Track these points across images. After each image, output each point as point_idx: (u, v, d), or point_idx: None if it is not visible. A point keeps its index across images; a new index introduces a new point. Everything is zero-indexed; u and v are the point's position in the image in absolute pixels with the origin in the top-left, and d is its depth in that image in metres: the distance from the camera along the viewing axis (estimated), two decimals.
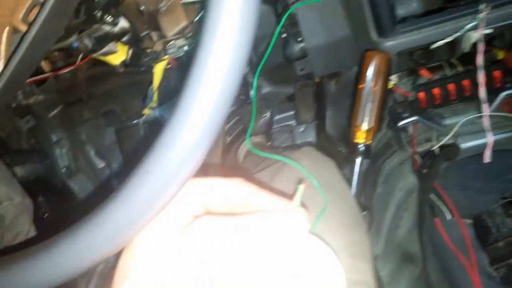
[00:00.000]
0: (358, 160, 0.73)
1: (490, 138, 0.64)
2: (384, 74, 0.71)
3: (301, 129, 1.18)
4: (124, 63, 0.66)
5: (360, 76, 0.72)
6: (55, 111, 1.14)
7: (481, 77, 0.66)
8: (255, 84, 0.60)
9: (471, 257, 0.70)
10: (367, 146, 0.72)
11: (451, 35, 0.69)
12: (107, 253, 0.29)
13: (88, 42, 0.52)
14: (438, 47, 0.70)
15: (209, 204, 0.37)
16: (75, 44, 0.52)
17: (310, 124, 1.16)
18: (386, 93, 0.72)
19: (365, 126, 0.70)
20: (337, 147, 1.10)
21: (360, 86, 0.70)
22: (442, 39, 0.69)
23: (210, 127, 0.28)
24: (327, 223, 0.51)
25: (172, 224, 0.33)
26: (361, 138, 0.72)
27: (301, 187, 0.36)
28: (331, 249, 0.35)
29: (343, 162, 0.94)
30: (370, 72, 0.69)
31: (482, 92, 0.66)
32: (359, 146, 0.72)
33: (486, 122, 0.65)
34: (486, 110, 0.66)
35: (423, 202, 0.74)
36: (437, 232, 0.72)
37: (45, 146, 1.08)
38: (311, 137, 1.18)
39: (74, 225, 0.29)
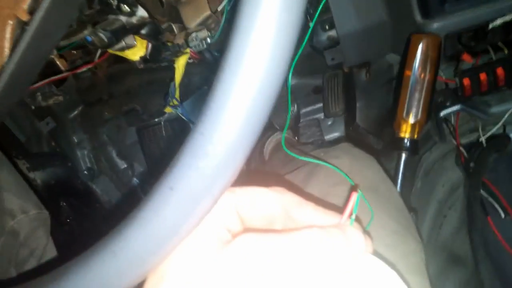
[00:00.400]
0: (404, 157, 0.66)
1: None
2: (434, 60, 0.63)
3: (329, 123, 1.12)
4: (143, 59, 0.62)
5: (406, 62, 0.64)
6: (75, 112, 1.12)
7: None
8: (290, 77, 0.54)
9: None
10: (414, 141, 0.65)
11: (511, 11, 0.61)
12: (124, 285, 0.24)
13: (103, 36, 0.47)
14: (491, 27, 0.63)
15: (245, 217, 0.32)
16: (90, 38, 0.48)
17: (338, 117, 1.10)
18: (435, 82, 0.65)
19: (412, 119, 0.63)
20: (369, 140, 1.03)
21: (407, 74, 0.63)
22: (499, 17, 0.62)
23: (250, 129, 0.23)
24: (375, 232, 0.45)
25: (206, 243, 0.28)
26: (407, 132, 0.65)
27: (355, 196, 0.31)
28: (394, 271, 0.29)
29: (377, 156, 0.88)
30: (417, 57, 0.62)
31: None
32: (405, 141, 0.65)
33: None
34: None
35: (472, 199, 0.67)
36: (490, 232, 0.65)
37: (66, 148, 1.05)
38: (340, 130, 1.12)
39: (86, 254, 0.24)
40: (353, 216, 0.31)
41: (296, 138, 1.10)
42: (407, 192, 0.86)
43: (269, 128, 1.06)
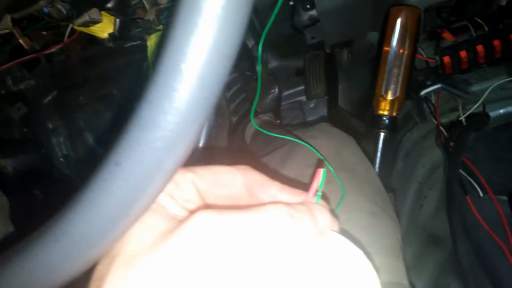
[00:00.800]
0: (382, 135, 0.64)
1: None
2: (413, 33, 0.61)
3: (312, 105, 1.11)
4: (113, 36, 0.59)
5: (384, 37, 0.63)
6: (49, 97, 1.08)
7: None
8: (260, 52, 0.52)
9: (509, 237, 0.62)
10: (393, 119, 0.64)
11: None
12: (70, 271, 0.22)
13: (61, 7, 0.44)
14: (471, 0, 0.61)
15: (207, 195, 0.30)
16: (46, 10, 0.45)
17: (321, 99, 1.08)
18: (414, 58, 0.63)
19: (390, 96, 0.61)
20: (351, 122, 1.02)
21: (385, 49, 0.61)
22: None
23: (204, 95, 0.21)
24: (351, 214, 0.44)
25: (158, 220, 0.26)
26: (386, 109, 0.63)
27: (320, 172, 0.29)
28: (361, 249, 0.28)
29: (360, 139, 0.87)
30: (396, 31, 0.60)
31: None
32: (383, 119, 0.63)
33: None
34: None
35: (451, 178, 0.67)
36: (468, 211, 0.65)
37: (41, 135, 1.02)
38: (323, 113, 1.10)
39: (27, 240, 0.22)
40: (320, 192, 0.29)
41: (279, 121, 1.09)
42: (388, 173, 0.86)
43: (250, 111, 1.04)
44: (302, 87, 1.08)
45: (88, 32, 0.61)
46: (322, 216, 0.28)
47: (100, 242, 0.23)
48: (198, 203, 0.30)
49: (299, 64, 1.09)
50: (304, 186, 0.31)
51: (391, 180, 0.84)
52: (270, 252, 0.26)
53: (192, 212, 0.26)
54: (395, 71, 0.60)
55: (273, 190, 0.30)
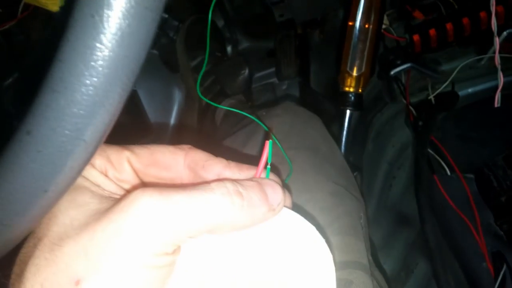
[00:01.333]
0: (348, 112, 0.63)
1: (501, 79, 0.55)
2: (378, 7, 0.59)
3: (284, 87, 1.09)
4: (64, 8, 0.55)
5: (349, 11, 0.61)
6: (10, 80, 1.03)
7: (493, 4, 0.56)
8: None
9: (475, 215, 0.62)
10: (359, 96, 0.62)
11: None
12: None
13: None
14: None
15: (145, 176, 0.28)
16: None
17: (293, 81, 1.07)
18: (380, 32, 0.62)
19: (356, 72, 0.60)
20: (324, 104, 1.01)
21: (350, 24, 0.60)
22: None
23: (123, 52, 0.18)
24: (312, 194, 0.42)
25: (92, 201, 0.24)
26: (351, 86, 0.62)
27: (267, 144, 0.27)
28: (313, 225, 0.27)
29: (332, 121, 0.86)
30: (361, 5, 0.58)
31: (494, 22, 0.56)
32: (349, 96, 0.62)
33: (497, 59, 0.55)
34: (497, 44, 0.56)
35: (419, 157, 0.66)
36: (436, 190, 0.65)
37: (1, 120, 0.97)
38: (295, 95, 1.09)
39: None
40: (269, 166, 0.28)
41: (250, 103, 1.07)
42: (357, 153, 0.85)
43: (220, 94, 1.01)
44: (274, 69, 1.05)
45: (39, 5, 0.57)
46: (274, 192, 0.26)
47: (17, 221, 0.21)
48: (135, 183, 0.28)
49: (271, 46, 1.06)
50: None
51: (362, 161, 0.84)
52: (214, 232, 0.24)
53: (128, 192, 0.24)
54: (360, 46, 0.59)
55: (218, 168, 0.28)
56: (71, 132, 0.19)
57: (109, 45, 0.18)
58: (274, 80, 1.08)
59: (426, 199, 0.65)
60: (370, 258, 0.43)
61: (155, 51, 1.12)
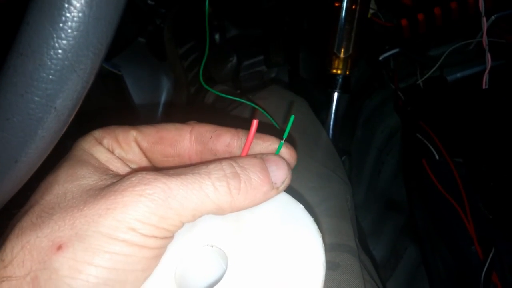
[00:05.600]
0: (336, 95, 0.62)
1: (488, 60, 0.55)
2: None
3: (273, 75, 1.08)
4: None
5: None
6: None
7: None
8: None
9: (463, 199, 0.62)
10: (346, 78, 0.61)
11: None
12: None
13: None
14: None
15: (153, 154, 0.28)
16: None
17: (281, 69, 1.06)
18: (366, 13, 0.61)
19: (343, 53, 0.59)
20: (312, 92, 1.00)
21: (336, 5, 0.59)
22: None
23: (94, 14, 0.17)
24: (298, 174, 0.42)
25: (91, 176, 0.24)
26: (339, 68, 0.61)
27: (254, 123, 0.27)
28: (305, 208, 0.26)
29: (321, 108, 0.85)
30: None
31: (481, 4, 0.56)
32: (337, 78, 0.61)
33: (484, 40, 0.55)
34: (484, 25, 0.56)
35: (408, 142, 0.66)
36: (424, 174, 0.64)
37: None
38: (285, 82, 1.08)
39: None
40: (283, 141, 0.27)
41: (238, 91, 1.06)
42: (348, 141, 0.85)
43: (208, 81, 1.00)
44: (262, 57, 1.05)
45: None
46: (277, 169, 0.25)
47: None
48: (142, 163, 0.28)
49: (259, 33, 1.05)
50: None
51: (351, 147, 0.84)
52: (213, 214, 0.24)
53: (133, 171, 0.24)
54: (347, 27, 0.58)
55: (226, 137, 0.28)
56: (41, 99, 0.18)
57: (78, 5, 0.17)
58: (263, 68, 1.07)
59: (415, 184, 0.65)
60: (357, 242, 0.43)
61: (142, 39, 1.10)
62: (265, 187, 0.24)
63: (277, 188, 0.25)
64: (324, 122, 0.72)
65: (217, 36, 1.07)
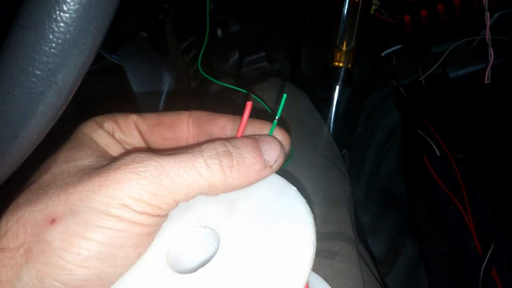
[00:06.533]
0: (337, 88, 0.62)
1: (491, 55, 0.54)
2: None
3: (274, 71, 1.08)
4: None
5: None
6: None
7: None
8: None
9: (463, 195, 0.62)
10: (348, 71, 0.61)
11: None
12: None
13: None
14: None
15: (152, 137, 0.29)
16: None
17: (284, 66, 1.06)
18: (370, 6, 0.61)
19: (345, 45, 0.59)
20: (313, 88, 1.00)
21: None
22: None
23: None
24: (297, 164, 0.42)
25: (88, 157, 0.24)
26: (341, 60, 0.61)
27: (248, 105, 0.27)
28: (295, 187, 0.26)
29: (323, 106, 0.85)
30: None
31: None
32: (338, 71, 0.61)
33: (487, 35, 0.55)
34: (487, 19, 0.56)
35: (409, 138, 0.66)
36: (425, 170, 0.64)
37: None
38: (286, 79, 1.08)
39: None
40: (276, 120, 0.28)
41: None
42: (348, 138, 0.85)
43: (210, 76, 1.00)
44: (264, 53, 1.05)
45: None
46: (270, 148, 0.26)
47: None
48: (140, 146, 0.28)
49: (261, 29, 1.05)
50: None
51: (352, 142, 0.84)
52: (207, 194, 0.24)
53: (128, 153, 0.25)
54: (350, 20, 0.58)
55: (222, 120, 0.28)
56: (42, 73, 0.18)
57: None
58: (265, 64, 1.07)
59: (415, 179, 0.65)
60: (355, 233, 0.43)
61: (144, 34, 1.11)
62: (258, 165, 0.25)
63: (270, 166, 0.25)
64: (325, 118, 0.73)
65: (219, 31, 1.07)
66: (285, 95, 0.28)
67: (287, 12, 0.99)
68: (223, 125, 0.28)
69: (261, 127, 0.28)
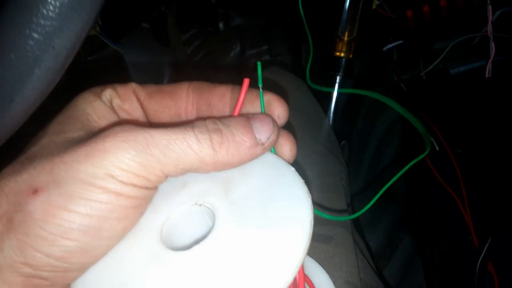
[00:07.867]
0: (338, 78, 0.62)
1: (492, 49, 0.54)
2: None
3: (275, 65, 1.08)
4: None
5: None
6: None
7: None
8: None
9: (462, 190, 0.62)
10: (349, 61, 0.61)
11: None
12: None
13: None
14: None
15: (150, 105, 0.29)
16: None
17: (284, 59, 1.06)
18: None
19: (347, 36, 0.59)
20: (315, 82, 1.00)
21: None
22: None
23: None
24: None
25: (78, 131, 0.24)
26: (342, 51, 0.61)
27: (246, 82, 0.27)
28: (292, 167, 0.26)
29: (324, 101, 0.85)
30: None
31: None
32: (340, 61, 0.61)
33: (489, 29, 0.55)
34: (490, 13, 0.55)
35: (407, 133, 0.66)
36: (424, 164, 0.64)
37: None
38: None
39: None
40: (261, 89, 0.27)
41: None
42: (348, 129, 0.85)
43: (212, 67, 1.00)
44: (266, 47, 1.05)
45: None
46: (262, 125, 0.25)
47: None
48: (136, 114, 0.28)
49: (263, 23, 1.05)
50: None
51: (352, 135, 0.84)
52: (197, 170, 0.24)
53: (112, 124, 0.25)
54: (352, 10, 0.58)
55: (222, 88, 0.28)
56: (39, 36, 0.18)
57: None
58: (266, 57, 1.07)
59: (414, 174, 0.65)
60: (351, 221, 0.42)
61: (146, 25, 1.10)
62: (248, 142, 0.24)
63: (262, 144, 0.25)
64: (325, 110, 0.72)
65: (221, 24, 1.07)
66: (259, 62, 0.28)
67: (289, 6, 0.99)
68: (222, 93, 0.28)
69: (257, 104, 0.28)
